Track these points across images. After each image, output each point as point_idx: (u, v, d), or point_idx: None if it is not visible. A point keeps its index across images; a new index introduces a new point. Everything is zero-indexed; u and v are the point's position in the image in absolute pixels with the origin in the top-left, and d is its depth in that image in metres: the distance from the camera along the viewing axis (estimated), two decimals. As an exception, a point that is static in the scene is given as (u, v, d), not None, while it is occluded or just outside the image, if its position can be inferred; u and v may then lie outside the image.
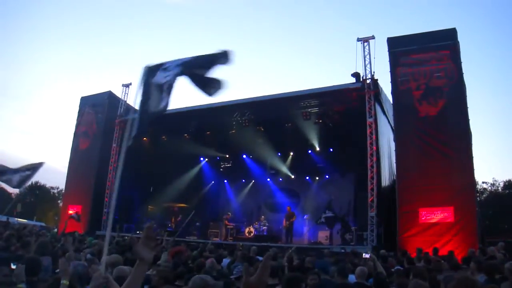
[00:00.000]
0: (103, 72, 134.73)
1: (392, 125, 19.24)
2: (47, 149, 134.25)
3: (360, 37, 19.48)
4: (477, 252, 12.48)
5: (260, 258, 11.52)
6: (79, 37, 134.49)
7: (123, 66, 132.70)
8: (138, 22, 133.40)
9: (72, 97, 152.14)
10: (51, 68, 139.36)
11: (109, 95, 27.50)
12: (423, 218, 16.41)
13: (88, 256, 8.35)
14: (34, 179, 61.71)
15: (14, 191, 59.06)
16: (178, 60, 3.55)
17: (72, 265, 5.68)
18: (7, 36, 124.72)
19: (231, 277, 6.51)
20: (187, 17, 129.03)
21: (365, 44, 19.32)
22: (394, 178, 18.78)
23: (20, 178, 12.88)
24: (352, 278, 7.42)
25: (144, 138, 25.89)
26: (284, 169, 26.12)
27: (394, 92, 18.51)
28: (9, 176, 12.81)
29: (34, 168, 13.82)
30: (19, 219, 33.65)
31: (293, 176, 26.65)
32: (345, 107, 19.50)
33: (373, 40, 19.26)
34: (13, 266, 4.56)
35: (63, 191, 34.05)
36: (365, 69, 19.17)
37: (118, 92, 27.25)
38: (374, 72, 19.09)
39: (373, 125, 18.45)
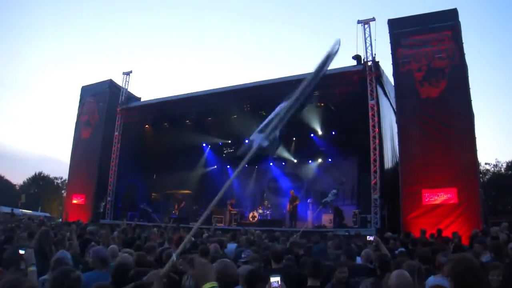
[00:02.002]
0: (103, 60, 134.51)
1: (394, 107, 19.20)
2: (50, 140, 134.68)
3: (360, 19, 19.41)
4: (480, 232, 12.52)
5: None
6: (77, 25, 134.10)
7: (123, 53, 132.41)
8: (136, 7, 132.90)
9: (73, 86, 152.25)
10: (50, 58, 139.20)
11: (110, 84, 27.49)
12: (426, 200, 16.43)
13: (93, 244, 8.39)
14: (37, 169, 61.90)
15: (18, 183, 59.51)
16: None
17: (94, 250, 5.79)
18: (3, 26, 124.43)
19: (240, 260, 6.53)
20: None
21: (366, 26, 19.24)
22: (397, 160, 18.78)
23: None
24: (357, 260, 7.45)
25: (146, 126, 25.92)
26: (287, 153, 26.09)
27: (395, 74, 18.44)
28: None
29: None
30: (23, 210, 33.82)
31: (295, 160, 26.64)
32: (346, 89, 19.39)
33: (374, 22, 19.21)
34: (21, 251, 4.58)
35: (67, 181, 34.17)
36: (366, 52, 19.14)
37: (119, 80, 27.22)
38: (375, 54, 19.07)
39: (375, 108, 18.42)
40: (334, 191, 20.12)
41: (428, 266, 6.04)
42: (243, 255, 6.76)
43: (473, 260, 3.35)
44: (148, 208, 24.27)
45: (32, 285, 3.12)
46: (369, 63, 18.93)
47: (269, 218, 23.30)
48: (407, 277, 3.92)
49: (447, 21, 17.78)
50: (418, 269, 4.92)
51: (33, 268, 4.38)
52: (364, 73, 18.79)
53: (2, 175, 61.88)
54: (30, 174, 63.77)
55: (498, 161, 43.35)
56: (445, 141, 16.71)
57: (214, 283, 2.12)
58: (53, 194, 60.80)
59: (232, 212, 24.27)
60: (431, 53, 17.61)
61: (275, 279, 3.09)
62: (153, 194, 27.49)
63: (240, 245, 9.44)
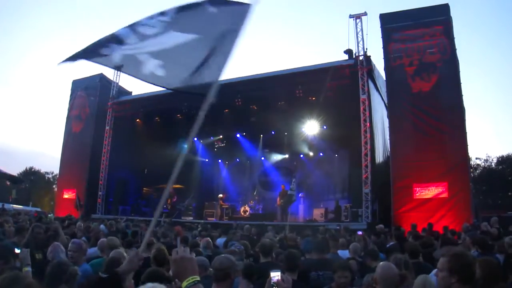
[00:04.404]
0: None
1: (386, 102, 19.22)
2: (41, 134, 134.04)
3: (352, 13, 19.40)
4: (470, 227, 12.60)
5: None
6: (68, 18, 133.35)
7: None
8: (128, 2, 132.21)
9: (64, 80, 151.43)
10: (41, 51, 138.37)
11: (101, 78, 27.34)
12: (417, 194, 16.51)
13: (83, 239, 8.37)
14: (28, 164, 61.59)
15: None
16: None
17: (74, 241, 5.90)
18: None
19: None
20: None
21: (358, 20, 19.23)
22: (388, 154, 18.83)
23: None
24: (345, 253, 7.48)
25: (137, 120, 25.81)
26: (278, 147, 26.09)
27: (386, 69, 18.48)
28: None
29: None
30: (14, 205, 33.64)
31: (287, 155, 26.60)
32: (338, 84, 19.37)
33: (366, 16, 19.23)
34: (17, 251, 4.55)
35: (58, 176, 33.98)
36: (358, 46, 19.15)
37: (110, 74, 27.10)
38: (366, 49, 19.10)
39: (367, 102, 18.45)
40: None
41: (417, 260, 6.05)
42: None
43: (469, 255, 3.37)
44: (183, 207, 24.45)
45: (31, 282, 3.10)
46: (361, 58, 18.94)
47: (260, 212, 23.29)
48: (392, 270, 3.92)
49: (439, 16, 17.82)
50: (405, 263, 4.93)
51: (28, 269, 4.36)
52: (356, 67, 18.80)
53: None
54: (21, 169, 63.39)
55: (488, 156, 43.69)
56: (436, 135, 16.78)
57: (195, 277, 2.04)
58: (44, 189, 60.50)
59: (223, 206, 24.20)
60: (423, 47, 17.66)
61: (275, 274, 3.01)
62: (144, 188, 27.41)
63: (230, 239, 9.46)
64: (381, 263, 4.20)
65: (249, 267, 4.94)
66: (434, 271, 5.09)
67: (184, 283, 2.02)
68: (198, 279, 2.04)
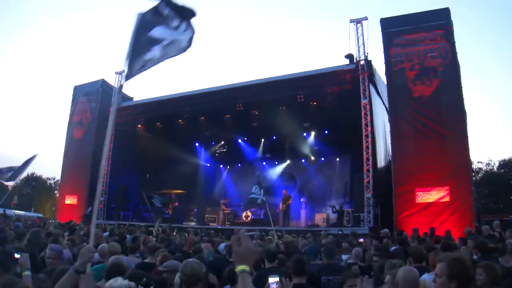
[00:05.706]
0: (96, 60, 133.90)
1: (387, 106, 19.22)
2: (42, 140, 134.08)
3: (353, 18, 19.42)
4: (473, 231, 12.57)
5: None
6: (69, 23, 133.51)
7: (115, 53, 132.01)
8: (128, 6, 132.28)
9: (65, 86, 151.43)
10: (42, 57, 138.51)
11: (102, 83, 27.46)
12: (419, 198, 16.49)
13: (84, 244, 8.37)
14: (30, 170, 61.72)
15: (10, 183, 59.06)
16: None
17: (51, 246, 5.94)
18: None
19: (230, 260, 6.51)
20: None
21: (358, 25, 19.27)
22: (390, 159, 18.83)
23: (12, 172, 13.73)
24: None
25: (139, 125, 25.82)
26: (280, 152, 26.11)
27: (387, 73, 18.48)
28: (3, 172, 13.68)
29: (27, 161, 14.58)
30: (16, 211, 33.65)
31: (288, 160, 26.62)
32: (339, 88, 19.38)
33: (366, 21, 19.24)
34: (17, 255, 4.55)
35: (59, 182, 34.01)
36: (359, 51, 19.15)
37: (111, 80, 27.18)
38: (367, 53, 19.11)
39: (368, 106, 18.45)
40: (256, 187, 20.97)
41: (421, 264, 6.04)
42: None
43: (466, 260, 3.36)
44: (157, 202, 24.50)
45: (25, 286, 3.11)
46: (362, 62, 18.95)
47: (262, 217, 23.27)
48: (414, 273, 3.97)
49: (439, 20, 17.83)
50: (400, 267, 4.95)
51: (27, 273, 4.36)
52: (357, 72, 18.79)
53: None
54: (23, 174, 63.32)
55: (490, 160, 43.55)
56: (437, 139, 16.78)
57: (247, 268, 2.28)
58: (46, 195, 60.46)
59: (225, 211, 24.21)
60: (424, 52, 17.66)
61: (273, 280, 2.99)
62: (146, 194, 27.44)
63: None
64: (403, 267, 4.25)
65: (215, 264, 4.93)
66: (425, 275, 5.10)
67: (239, 268, 2.30)
68: (247, 269, 2.27)
